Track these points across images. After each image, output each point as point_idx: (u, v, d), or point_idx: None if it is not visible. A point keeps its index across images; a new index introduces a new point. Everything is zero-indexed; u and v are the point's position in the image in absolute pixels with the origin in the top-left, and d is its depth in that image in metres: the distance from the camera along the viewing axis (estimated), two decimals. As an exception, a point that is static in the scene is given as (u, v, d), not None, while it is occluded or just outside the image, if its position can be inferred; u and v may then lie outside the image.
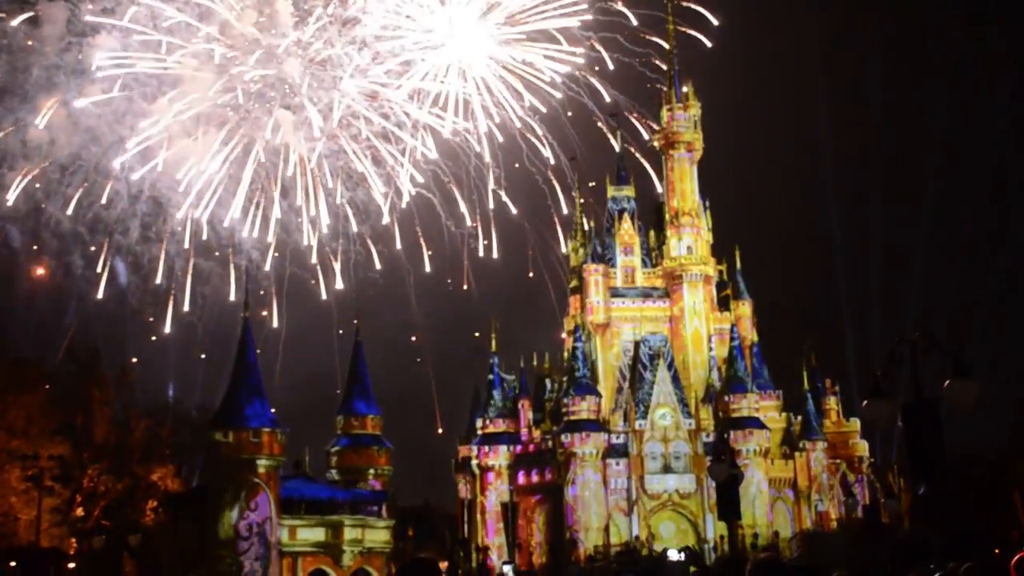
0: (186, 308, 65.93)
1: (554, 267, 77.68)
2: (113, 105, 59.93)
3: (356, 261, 67.56)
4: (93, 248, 63.39)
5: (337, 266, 67.36)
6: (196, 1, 59.54)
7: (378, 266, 68.54)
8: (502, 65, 64.52)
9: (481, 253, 70.19)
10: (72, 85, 58.86)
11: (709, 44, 73.29)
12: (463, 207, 66.93)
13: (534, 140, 66.28)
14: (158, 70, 59.73)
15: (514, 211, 68.70)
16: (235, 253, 65.26)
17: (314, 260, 66.53)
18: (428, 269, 70.54)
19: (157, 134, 60.04)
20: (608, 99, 68.42)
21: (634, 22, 66.38)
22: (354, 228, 66.22)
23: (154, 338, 66.93)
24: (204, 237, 63.95)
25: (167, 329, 66.27)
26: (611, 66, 66.43)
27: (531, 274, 75.58)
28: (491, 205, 67.32)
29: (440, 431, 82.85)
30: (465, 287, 72.76)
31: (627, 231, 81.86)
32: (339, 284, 68.16)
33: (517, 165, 66.55)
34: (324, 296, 68.59)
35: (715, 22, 71.19)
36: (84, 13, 58.53)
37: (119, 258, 64.00)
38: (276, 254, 65.98)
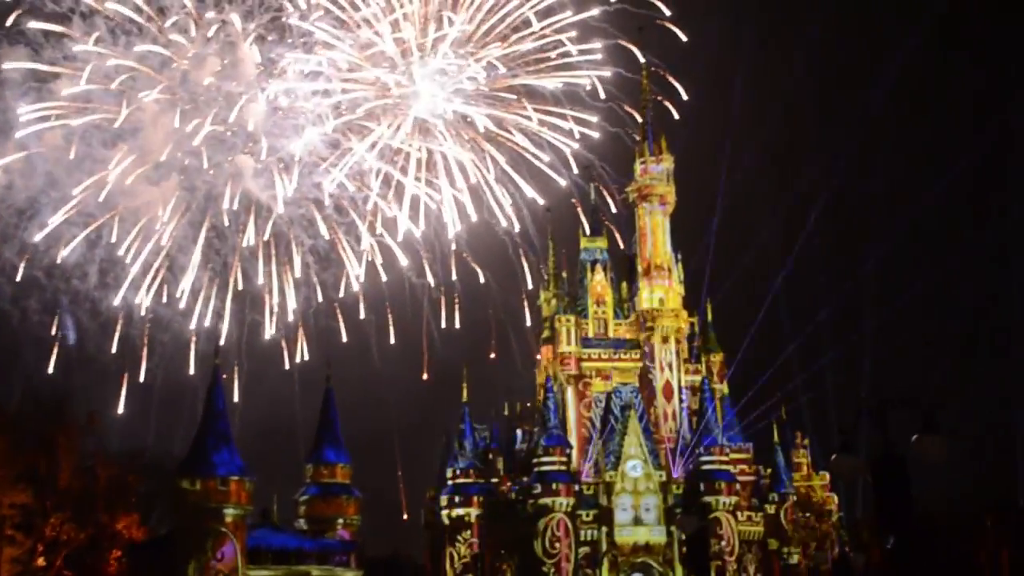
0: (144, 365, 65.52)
1: (520, 322, 77.84)
2: (72, 152, 60.11)
3: (323, 327, 67.70)
4: (49, 293, 63.20)
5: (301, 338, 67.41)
6: (157, 51, 60.07)
7: (344, 337, 68.84)
8: (467, 121, 65.39)
9: (444, 324, 70.71)
10: (31, 131, 59.15)
11: (677, 116, 74.86)
12: (428, 274, 67.48)
13: (503, 194, 66.94)
14: (117, 118, 60.02)
15: (480, 276, 69.21)
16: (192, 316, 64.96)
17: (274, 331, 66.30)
18: (392, 340, 70.71)
19: (113, 181, 60.17)
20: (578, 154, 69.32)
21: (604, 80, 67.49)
22: (319, 296, 66.45)
23: (123, 392, 66.41)
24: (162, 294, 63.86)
25: (121, 388, 65.78)
26: (582, 132, 67.43)
27: (492, 355, 76.12)
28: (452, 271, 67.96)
29: (404, 483, 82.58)
30: (425, 375, 73.01)
31: (599, 282, 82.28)
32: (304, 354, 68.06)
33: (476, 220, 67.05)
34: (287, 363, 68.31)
35: (685, 96, 72.36)
36: (44, 60, 58.98)
37: (66, 310, 63.68)
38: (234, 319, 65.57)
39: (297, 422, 75.60)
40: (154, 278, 63.54)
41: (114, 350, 65.06)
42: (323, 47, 61.62)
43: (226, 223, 63.38)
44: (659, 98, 78.88)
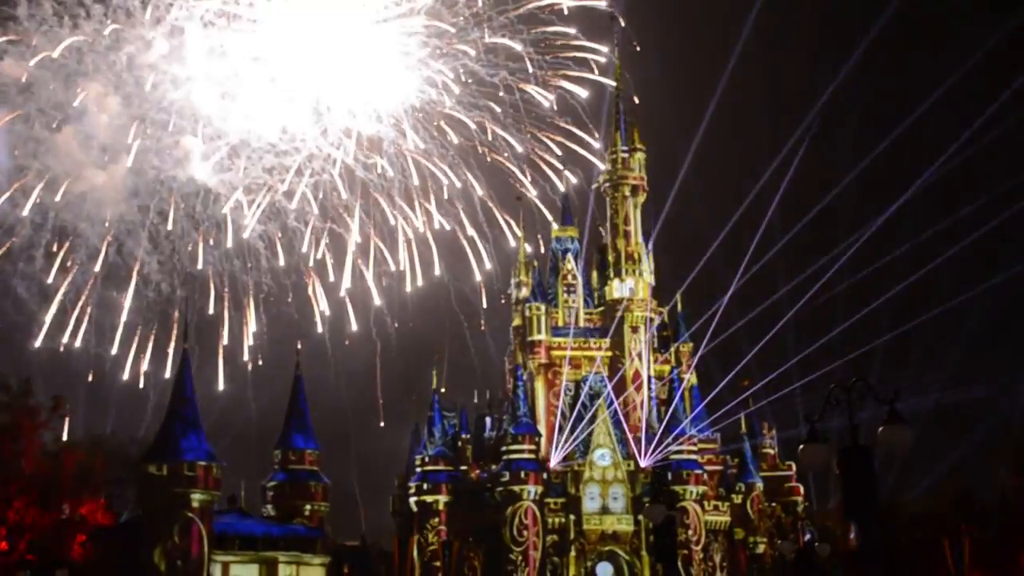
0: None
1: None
2: (15, 132, 59.41)
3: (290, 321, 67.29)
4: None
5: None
6: (104, 32, 59.38)
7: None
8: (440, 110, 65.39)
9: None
10: None
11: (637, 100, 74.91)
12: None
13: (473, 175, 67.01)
14: (62, 99, 59.35)
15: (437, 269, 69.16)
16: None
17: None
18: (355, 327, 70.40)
19: (60, 164, 59.53)
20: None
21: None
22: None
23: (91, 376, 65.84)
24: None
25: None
26: (556, 106, 67.46)
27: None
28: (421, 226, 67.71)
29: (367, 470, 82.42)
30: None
31: (570, 271, 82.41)
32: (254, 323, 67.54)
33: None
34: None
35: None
36: None
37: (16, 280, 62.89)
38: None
39: (266, 407, 75.18)
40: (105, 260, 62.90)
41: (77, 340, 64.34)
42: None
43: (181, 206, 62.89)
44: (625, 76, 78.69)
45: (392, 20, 63.16)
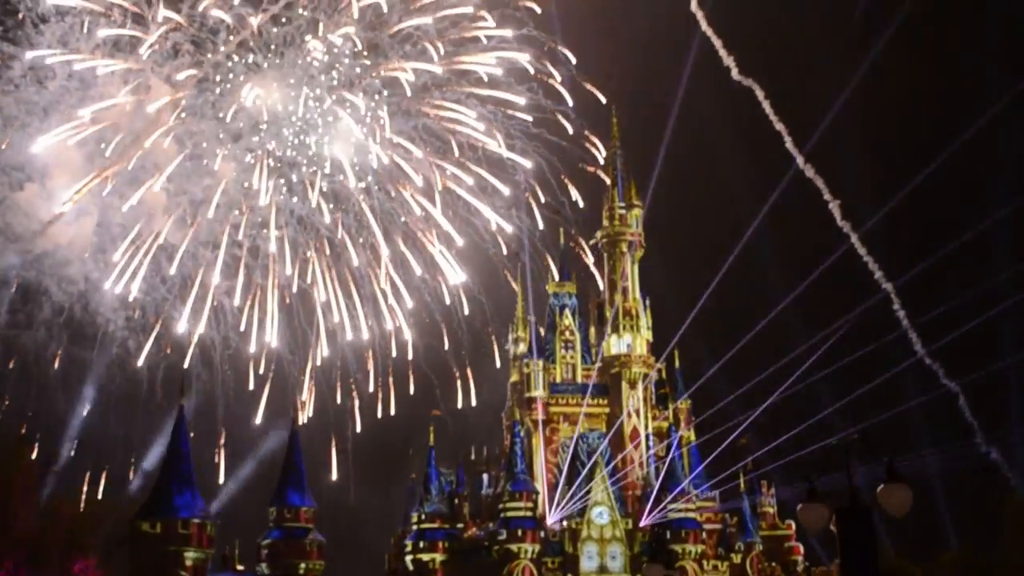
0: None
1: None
2: None
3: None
4: None
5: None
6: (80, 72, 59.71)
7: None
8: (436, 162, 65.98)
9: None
10: None
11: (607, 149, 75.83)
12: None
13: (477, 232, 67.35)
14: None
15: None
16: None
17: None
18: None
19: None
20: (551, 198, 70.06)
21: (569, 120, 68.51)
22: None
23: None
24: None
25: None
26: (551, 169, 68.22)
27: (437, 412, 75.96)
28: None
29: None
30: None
31: (568, 327, 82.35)
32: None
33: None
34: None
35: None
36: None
37: None
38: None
39: (264, 464, 74.54)
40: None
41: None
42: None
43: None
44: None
45: (359, 86, 64.27)
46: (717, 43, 61.27)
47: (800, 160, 62.67)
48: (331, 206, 65.82)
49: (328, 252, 66.06)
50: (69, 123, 59.18)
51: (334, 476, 71.20)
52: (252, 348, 65.57)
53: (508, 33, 65.24)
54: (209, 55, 61.91)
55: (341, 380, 69.67)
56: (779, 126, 62.04)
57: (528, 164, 67.93)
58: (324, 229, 65.77)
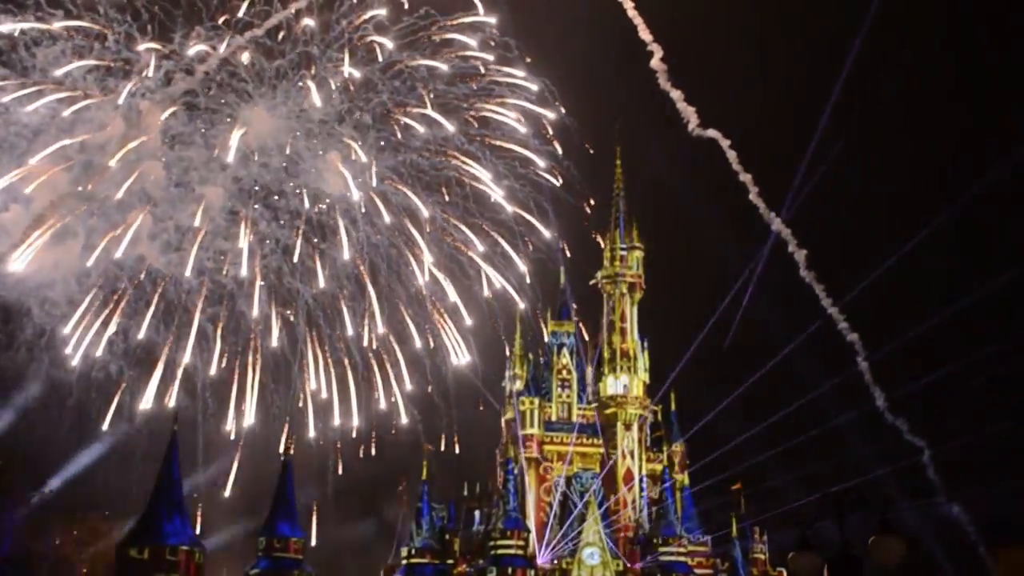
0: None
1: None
2: None
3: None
4: None
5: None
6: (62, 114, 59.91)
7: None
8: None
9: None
10: None
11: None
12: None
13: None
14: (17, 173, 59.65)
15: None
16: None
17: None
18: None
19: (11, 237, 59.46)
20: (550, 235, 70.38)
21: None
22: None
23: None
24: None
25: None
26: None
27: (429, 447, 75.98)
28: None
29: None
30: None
31: (565, 366, 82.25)
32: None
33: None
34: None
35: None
36: None
37: None
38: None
39: (252, 493, 74.13)
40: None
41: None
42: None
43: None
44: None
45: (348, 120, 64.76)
46: (677, 97, 61.84)
47: (778, 225, 63.27)
48: (325, 273, 65.92)
49: (320, 322, 66.40)
50: (56, 143, 59.24)
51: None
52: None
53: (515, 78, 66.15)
54: (198, 90, 62.23)
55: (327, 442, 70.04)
56: (745, 178, 62.59)
57: (540, 226, 68.61)
58: (311, 299, 66.04)
